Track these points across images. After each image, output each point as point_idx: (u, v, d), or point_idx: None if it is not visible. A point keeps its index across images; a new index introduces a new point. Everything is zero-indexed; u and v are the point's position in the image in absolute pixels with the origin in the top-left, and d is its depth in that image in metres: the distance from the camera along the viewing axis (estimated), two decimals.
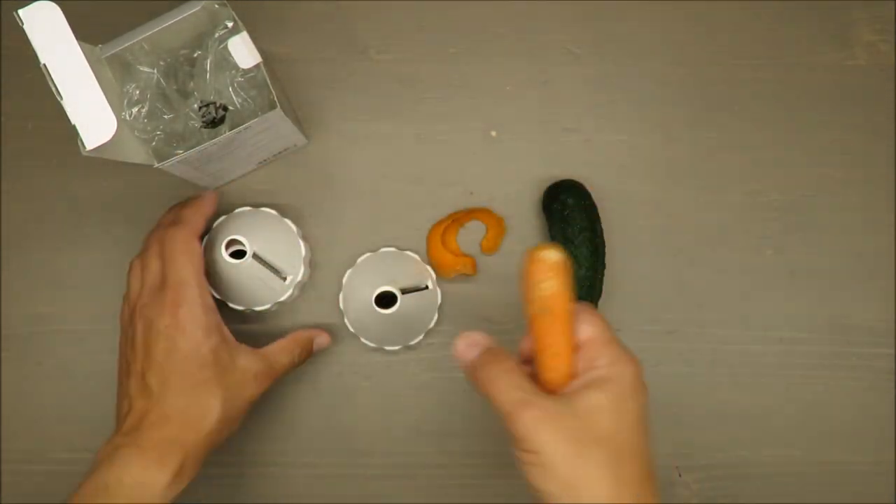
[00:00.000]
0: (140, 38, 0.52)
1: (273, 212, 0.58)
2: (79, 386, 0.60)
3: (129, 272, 0.54)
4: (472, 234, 0.62)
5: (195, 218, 0.54)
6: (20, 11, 0.43)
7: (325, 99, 0.62)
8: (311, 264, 0.60)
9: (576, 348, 0.42)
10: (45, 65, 0.43)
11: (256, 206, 0.59)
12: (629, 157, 0.62)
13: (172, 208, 0.57)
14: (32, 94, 0.61)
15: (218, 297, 0.56)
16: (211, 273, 0.55)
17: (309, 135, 0.62)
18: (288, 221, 0.58)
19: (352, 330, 0.59)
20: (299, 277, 0.58)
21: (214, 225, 0.58)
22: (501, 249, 0.61)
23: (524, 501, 0.43)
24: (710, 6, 0.64)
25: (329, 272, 0.61)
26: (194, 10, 0.51)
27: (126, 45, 0.51)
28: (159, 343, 0.49)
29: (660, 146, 0.62)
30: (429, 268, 0.59)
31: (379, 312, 0.56)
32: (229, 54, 0.50)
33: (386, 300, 0.56)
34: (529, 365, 0.44)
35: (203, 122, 0.54)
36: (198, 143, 0.52)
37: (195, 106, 0.54)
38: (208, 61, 0.53)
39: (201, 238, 0.55)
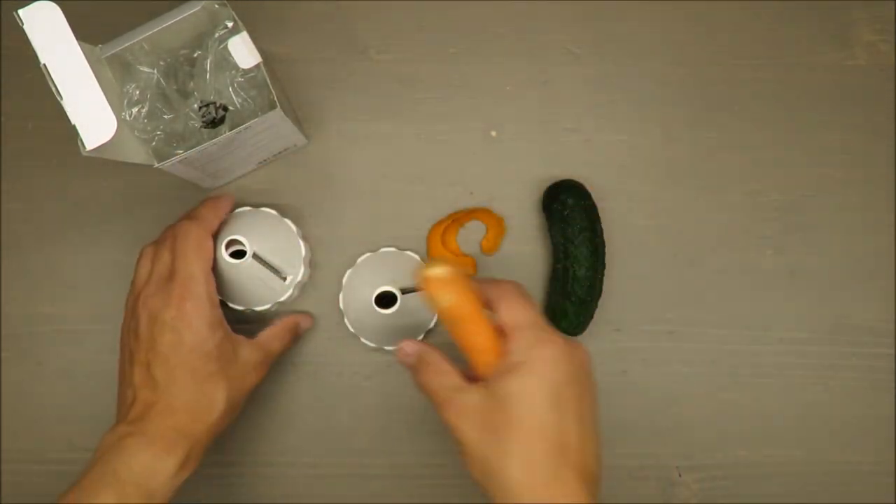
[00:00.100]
0: (140, 38, 0.52)
1: (273, 212, 0.58)
2: (79, 386, 0.60)
3: (139, 259, 0.54)
4: (472, 234, 0.62)
5: (211, 216, 0.55)
6: (20, 11, 0.43)
7: (325, 99, 0.62)
8: (311, 264, 0.60)
9: (502, 335, 0.45)
10: (45, 65, 0.43)
11: (256, 206, 0.59)
12: (629, 157, 0.62)
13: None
14: (32, 94, 0.61)
15: (219, 297, 0.56)
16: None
17: (309, 135, 0.62)
18: (288, 221, 0.58)
19: (352, 330, 0.59)
20: (299, 277, 0.58)
21: None
22: (501, 249, 0.61)
23: None
24: (710, 6, 0.64)
25: (329, 272, 0.61)
26: (194, 10, 0.51)
27: (126, 45, 0.51)
28: (165, 335, 0.50)
29: (660, 146, 0.62)
30: None
31: (379, 312, 0.56)
32: (229, 54, 0.50)
33: (386, 300, 0.56)
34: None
35: (203, 122, 0.54)
36: (198, 143, 0.52)
37: (195, 106, 0.54)
38: (208, 61, 0.53)
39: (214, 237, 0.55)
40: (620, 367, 0.61)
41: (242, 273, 0.55)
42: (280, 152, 0.61)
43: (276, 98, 0.52)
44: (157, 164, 0.51)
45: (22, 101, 0.62)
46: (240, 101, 0.54)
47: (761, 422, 0.61)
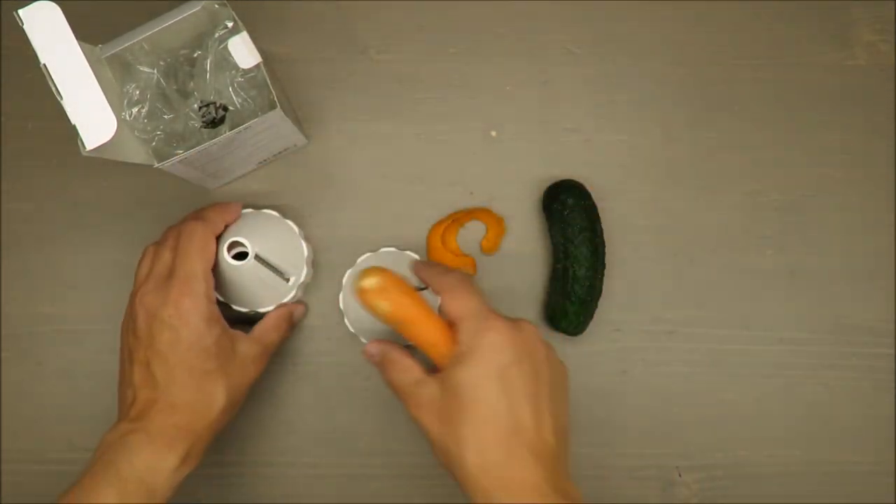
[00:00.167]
0: (140, 38, 0.52)
1: (274, 213, 0.58)
2: (79, 386, 0.60)
3: (141, 258, 0.55)
4: (472, 234, 0.62)
5: (218, 219, 0.55)
6: (20, 11, 0.43)
7: (325, 99, 0.62)
8: (313, 265, 0.60)
9: (452, 326, 0.47)
10: (45, 65, 0.43)
11: (256, 206, 0.59)
12: (629, 157, 0.62)
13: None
14: (32, 94, 0.61)
15: (221, 299, 0.56)
16: (213, 275, 0.55)
17: (309, 135, 0.62)
18: (289, 222, 0.58)
19: (352, 330, 0.59)
20: (302, 278, 0.58)
21: None
22: (501, 249, 0.61)
23: None
24: (710, 6, 0.64)
25: (329, 272, 0.61)
26: (194, 10, 0.51)
27: (126, 45, 0.51)
28: (163, 333, 0.50)
29: (660, 146, 0.62)
30: None
31: None
32: (229, 54, 0.50)
33: None
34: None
35: (203, 122, 0.54)
36: (198, 143, 0.52)
37: (195, 106, 0.54)
38: (208, 61, 0.53)
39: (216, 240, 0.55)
40: (620, 367, 0.61)
41: (245, 275, 0.55)
42: (280, 152, 0.61)
43: (276, 98, 0.52)
44: (157, 164, 0.51)
45: (22, 101, 0.62)
46: (240, 101, 0.54)
47: (761, 422, 0.61)
